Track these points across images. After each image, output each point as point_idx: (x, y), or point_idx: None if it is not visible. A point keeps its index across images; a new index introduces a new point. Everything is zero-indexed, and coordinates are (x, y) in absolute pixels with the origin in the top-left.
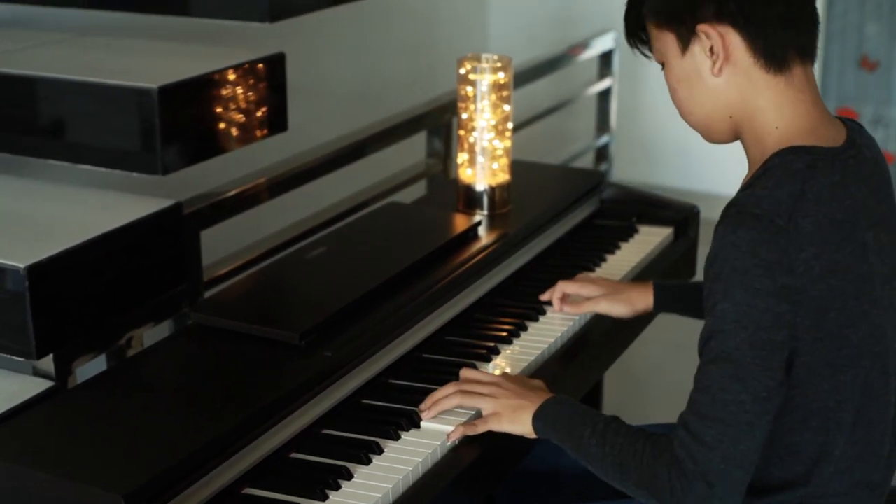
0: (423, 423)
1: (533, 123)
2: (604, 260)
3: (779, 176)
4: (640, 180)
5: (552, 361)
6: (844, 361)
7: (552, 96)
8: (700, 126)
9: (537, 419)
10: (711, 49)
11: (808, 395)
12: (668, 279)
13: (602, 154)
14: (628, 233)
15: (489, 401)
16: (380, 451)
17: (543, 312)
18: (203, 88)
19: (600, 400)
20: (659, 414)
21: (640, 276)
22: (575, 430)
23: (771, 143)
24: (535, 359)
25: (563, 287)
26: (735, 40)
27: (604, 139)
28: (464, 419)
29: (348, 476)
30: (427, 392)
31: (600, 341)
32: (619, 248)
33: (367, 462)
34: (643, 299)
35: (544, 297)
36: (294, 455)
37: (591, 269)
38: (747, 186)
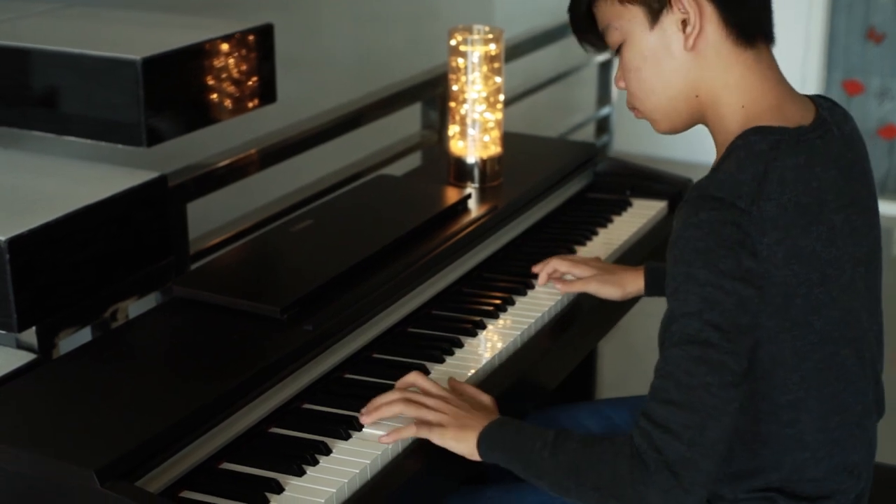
0: (364, 429)
1: (535, 94)
2: (596, 234)
3: (741, 158)
4: (642, 152)
5: (540, 335)
6: (808, 349)
7: (558, 66)
8: (660, 110)
9: (482, 441)
10: (683, 22)
11: (774, 385)
12: (661, 253)
13: (603, 125)
14: (622, 206)
15: (435, 413)
16: (359, 426)
17: (532, 287)
18: (188, 59)
19: (594, 372)
20: None
21: (632, 250)
22: (524, 447)
23: (736, 122)
24: (521, 333)
25: (555, 264)
26: (709, 12)
27: (605, 110)
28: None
29: (326, 451)
30: (410, 367)
31: (590, 315)
32: (611, 221)
33: (346, 437)
34: (635, 283)
35: (536, 268)
36: (273, 430)
37: (583, 244)
38: (712, 171)
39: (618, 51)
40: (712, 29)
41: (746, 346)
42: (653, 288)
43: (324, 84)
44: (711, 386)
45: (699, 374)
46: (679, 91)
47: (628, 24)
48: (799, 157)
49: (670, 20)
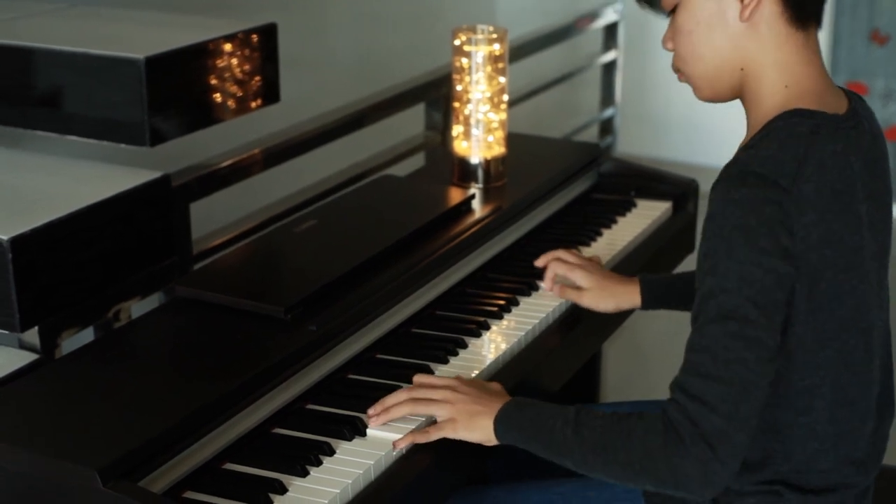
0: (370, 431)
1: (539, 95)
2: (600, 234)
3: (782, 139)
4: (645, 154)
5: (544, 337)
6: (828, 335)
7: (562, 68)
8: (705, 77)
9: (499, 423)
10: None
11: (793, 368)
12: (666, 255)
13: (606, 127)
14: (626, 207)
15: (444, 406)
16: (363, 426)
17: (536, 288)
18: (191, 59)
19: (599, 374)
20: (664, 388)
21: (637, 250)
22: (544, 426)
23: (775, 102)
24: (525, 334)
25: (554, 268)
26: None
27: (608, 112)
28: (413, 425)
29: (330, 452)
30: (414, 368)
31: (594, 317)
32: (616, 222)
33: (350, 438)
34: (629, 297)
35: (539, 262)
36: (276, 430)
37: (588, 244)
38: (748, 147)
39: (671, 12)
40: (770, 3)
41: (780, 323)
42: (650, 301)
43: (325, 84)
44: (748, 361)
45: (736, 349)
46: (726, 61)
47: None
48: (837, 143)
49: None
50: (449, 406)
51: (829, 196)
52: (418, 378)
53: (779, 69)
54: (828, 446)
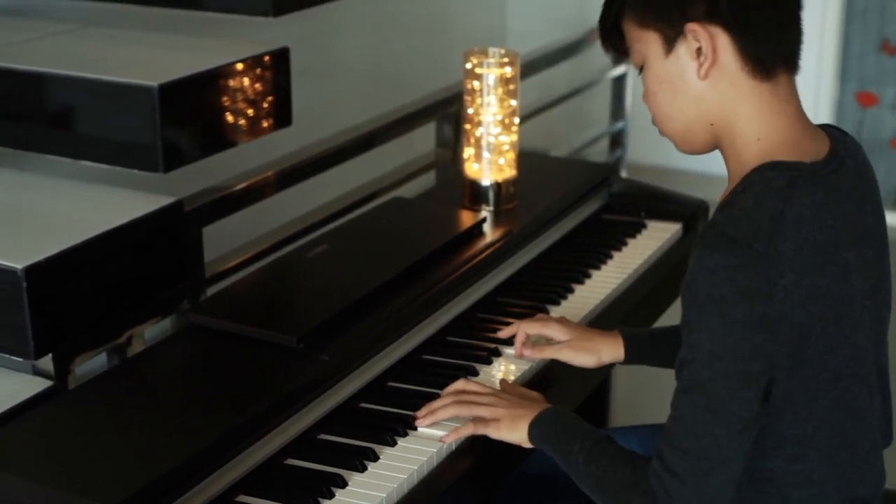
0: (420, 429)
1: (549, 109)
2: (610, 257)
3: (758, 194)
4: (656, 164)
5: (554, 362)
6: (821, 387)
7: (572, 80)
8: (678, 134)
9: (534, 427)
10: (698, 51)
11: (783, 422)
12: (676, 278)
13: (617, 139)
14: (636, 228)
15: (489, 408)
16: (375, 457)
17: (547, 312)
18: (205, 85)
19: (608, 395)
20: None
21: (648, 272)
22: (566, 444)
23: (751, 155)
24: (536, 361)
25: (525, 329)
26: (724, 42)
27: (619, 125)
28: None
29: (342, 484)
30: (426, 396)
31: None
32: (626, 244)
33: (362, 469)
34: (611, 351)
35: (503, 334)
36: (289, 461)
37: (598, 267)
38: (725, 205)
39: (640, 70)
40: (728, 59)
41: (758, 391)
42: (633, 356)
43: (337, 95)
44: (718, 436)
45: (705, 423)
46: (694, 118)
47: (646, 48)
48: (816, 194)
49: (685, 48)
50: (493, 408)
51: (810, 251)
52: (462, 383)
53: (749, 122)
54: (829, 489)
